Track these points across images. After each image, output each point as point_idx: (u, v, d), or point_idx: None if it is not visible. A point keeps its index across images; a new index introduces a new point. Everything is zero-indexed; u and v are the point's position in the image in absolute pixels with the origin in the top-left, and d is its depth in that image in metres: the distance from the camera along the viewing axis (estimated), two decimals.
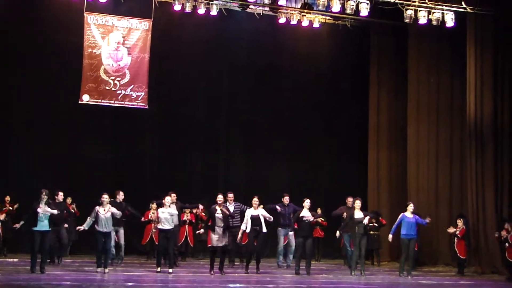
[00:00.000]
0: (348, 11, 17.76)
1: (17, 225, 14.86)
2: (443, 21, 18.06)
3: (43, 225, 14.23)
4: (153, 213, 17.36)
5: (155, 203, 17.37)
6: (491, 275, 17.03)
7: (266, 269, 16.15)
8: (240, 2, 19.64)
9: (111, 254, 15.53)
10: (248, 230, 15.39)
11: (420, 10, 17.96)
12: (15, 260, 16.80)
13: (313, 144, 21.79)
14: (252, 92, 21.29)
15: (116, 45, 19.21)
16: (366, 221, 15.76)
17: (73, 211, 17.94)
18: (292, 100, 21.58)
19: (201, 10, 19.33)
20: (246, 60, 21.28)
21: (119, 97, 19.18)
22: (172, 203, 15.52)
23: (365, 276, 15.64)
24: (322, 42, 21.80)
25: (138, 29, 19.36)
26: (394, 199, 20.58)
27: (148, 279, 14.16)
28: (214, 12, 19.38)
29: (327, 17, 20.81)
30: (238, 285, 13.43)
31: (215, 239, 14.77)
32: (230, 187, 18.41)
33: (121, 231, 16.30)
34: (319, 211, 18.93)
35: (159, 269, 14.94)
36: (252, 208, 15.49)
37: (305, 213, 15.59)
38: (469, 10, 17.96)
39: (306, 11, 19.86)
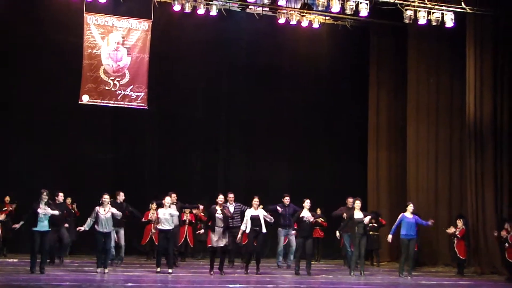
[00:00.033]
0: (348, 12, 17.76)
1: (17, 226, 14.81)
2: (442, 22, 18.06)
3: (43, 225, 14.23)
4: (152, 213, 17.36)
5: (155, 203, 17.39)
6: (491, 276, 17.03)
7: (265, 270, 16.15)
8: (240, 3, 19.65)
9: (111, 254, 15.53)
10: (248, 231, 15.40)
11: (419, 11, 17.97)
12: (14, 260, 16.79)
13: (312, 144, 21.80)
14: (252, 92, 21.30)
15: (115, 45, 19.22)
16: (367, 220, 15.77)
17: (73, 211, 17.95)
18: (291, 101, 21.59)
19: (201, 11, 19.33)
20: (246, 61, 21.29)
21: (118, 98, 19.19)
22: (172, 203, 15.52)
23: (364, 277, 15.65)
24: (322, 42, 21.81)
25: (138, 29, 19.37)
26: (393, 199, 20.60)
27: (148, 279, 14.16)
28: (213, 12, 19.39)
29: (327, 18, 20.82)
30: (237, 285, 13.43)
31: (215, 239, 14.77)
32: (230, 187, 18.40)
33: (122, 232, 16.30)
34: (318, 211, 18.94)
35: (158, 269, 14.94)
36: (252, 208, 15.49)
37: (305, 214, 15.61)
38: (468, 11, 17.96)
39: (305, 11, 19.87)
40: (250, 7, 19.91)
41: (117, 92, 19.17)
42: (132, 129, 20.46)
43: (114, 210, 14.81)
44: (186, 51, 20.75)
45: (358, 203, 15.89)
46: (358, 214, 15.78)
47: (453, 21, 18.03)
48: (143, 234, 18.29)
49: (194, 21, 19.94)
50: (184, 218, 17.87)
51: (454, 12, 18.06)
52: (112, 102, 19.18)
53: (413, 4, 17.94)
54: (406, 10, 17.97)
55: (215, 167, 21.24)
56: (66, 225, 16.67)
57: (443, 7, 18.09)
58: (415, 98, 20.04)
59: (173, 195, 15.67)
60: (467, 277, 16.67)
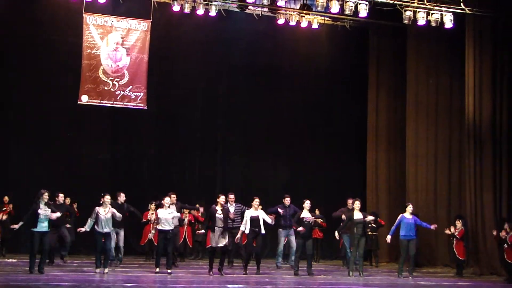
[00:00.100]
0: (347, 12, 17.75)
1: (16, 226, 14.62)
2: (442, 22, 18.06)
3: (43, 226, 14.20)
4: (152, 213, 17.35)
5: (154, 204, 17.39)
6: (490, 276, 17.02)
7: (265, 270, 16.15)
8: (239, 3, 19.64)
9: (111, 255, 15.51)
10: (247, 231, 15.40)
11: (419, 11, 17.97)
12: (13, 260, 16.79)
13: (312, 144, 21.80)
14: (251, 93, 21.30)
15: (115, 45, 19.22)
16: (370, 219, 15.79)
17: (74, 211, 17.93)
18: (291, 101, 21.60)
19: (200, 11, 19.32)
20: (245, 61, 21.28)
21: (118, 98, 19.18)
22: (172, 204, 15.51)
23: (363, 277, 15.65)
24: (321, 43, 21.82)
25: (137, 29, 19.36)
26: (392, 199, 20.61)
27: (147, 279, 14.16)
28: (213, 13, 19.37)
29: (326, 18, 20.81)
30: (237, 285, 13.42)
31: (215, 239, 14.77)
32: (229, 188, 18.40)
33: (121, 233, 16.26)
34: (317, 212, 18.93)
35: (157, 269, 14.93)
36: (252, 209, 15.49)
37: (305, 214, 15.60)
38: (467, 11, 17.96)
39: (305, 12, 19.86)
40: (249, 7, 19.91)
41: (116, 93, 19.17)
42: (132, 129, 20.45)
43: (115, 211, 14.80)
44: (185, 52, 20.76)
45: (357, 204, 15.89)
46: (357, 215, 15.78)
47: (452, 22, 18.03)
48: (142, 235, 18.28)
49: (194, 21, 19.94)
50: (183, 218, 17.86)
51: (453, 13, 18.05)
52: (111, 102, 19.18)
53: (412, 5, 17.94)
54: (405, 10, 17.96)
55: (214, 168, 21.23)
56: (68, 225, 16.70)
57: (443, 8, 18.09)
58: (414, 98, 20.04)
59: (173, 196, 15.66)
60: (466, 278, 16.67)
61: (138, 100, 19.30)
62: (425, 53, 19.95)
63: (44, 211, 14.19)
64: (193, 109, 21.08)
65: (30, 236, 14.23)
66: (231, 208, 15.49)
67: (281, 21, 20.01)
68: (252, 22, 20.36)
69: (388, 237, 16.27)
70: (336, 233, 17.14)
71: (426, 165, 19.68)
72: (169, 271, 14.82)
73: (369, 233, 17.65)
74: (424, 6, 17.97)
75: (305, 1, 19.82)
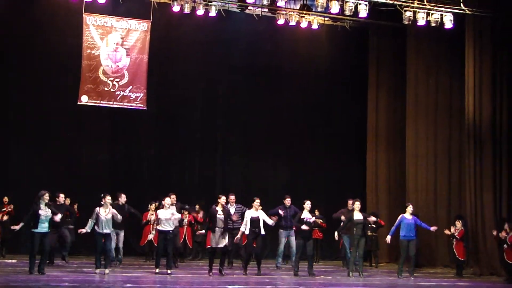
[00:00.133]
0: (347, 13, 17.73)
1: (17, 227, 14.50)
2: (441, 23, 18.05)
3: (43, 227, 14.18)
4: (151, 214, 17.34)
5: (153, 204, 17.38)
6: (490, 277, 17.01)
7: (265, 271, 16.13)
8: (239, 3, 19.63)
9: (111, 255, 15.49)
10: (247, 232, 15.40)
11: (418, 12, 17.96)
12: (13, 261, 16.79)
13: (311, 145, 21.80)
14: (251, 93, 21.30)
15: (115, 46, 19.22)
16: (374, 219, 15.78)
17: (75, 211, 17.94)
18: (291, 101, 21.59)
19: (200, 11, 19.30)
20: (245, 61, 21.28)
21: (117, 98, 19.19)
22: (172, 204, 15.50)
23: (363, 278, 15.65)
24: (321, 43, 21.82)
25: (137, 30, 19.36)
26: (392, 200, 20.61)
27: (147, 280, 14.16)
28: (213, 13, 19.37)
29: (326, 19, 20.81)
30: (236, 286, 13.43)
31: (215, 240, 14.77)
32: (229, 188, 18.41)
33: (122, 234, 16.25)
34: (317, 212, 18.90)
35: (157, 270, 14.92)
36: (253, 209, 15.48)
37: (306, 215, 15.60)
38: (467, 12, 17.95)
39: (304, 12, 19.84)
40: (249, 8, 19.91)
41: (116, 93, 19.17)
42: (131, 130, 20.45)
43: (115, 213, 14.78)
44: (185, 52, 20.76)
45: (357, 204, 15.89)
46: (357, 215, 15.78)
47: (452, 22, 18.02)
48: (142, 235, 18.27)
49: (193, 22, 19.94)
50: (183, 218, 17.84)
51: (453, 13, 18.05)
52: (111, 102, 19.18)
53: (412, 5, 17.93)
54: (405, 11, 17.95)
55: (213, 168, 21.23)
56: (71, 226, 16.72)
57: (442, 8, 18.08)
58: (414, 98, 20.04)
59: (173, 196, 15.66)
60: (466, 278, 16.66)
61: (138, 100, 19.30)
62: (425, 53, 19.94)
63: (44, 212, 14.18)
64: (193, 110, 21.08)
65: (30, 237, 14.22)
66: (232, 209, 15.48)
67: (281, 21, 20.01)
68: (252, 23, 20.37)
69: (388, 238, 16.27)
70: (336, 234, 17.12)
71: (426, 165, 19.68)
72: (168, 271, 14.82)
73: (369, 233, 17.66)
74: (424, 6, 17.96)
75: (305, 2, 19.81)
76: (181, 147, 20.86)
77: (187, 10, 19.13)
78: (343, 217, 16.69)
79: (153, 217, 16.81)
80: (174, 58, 20.69)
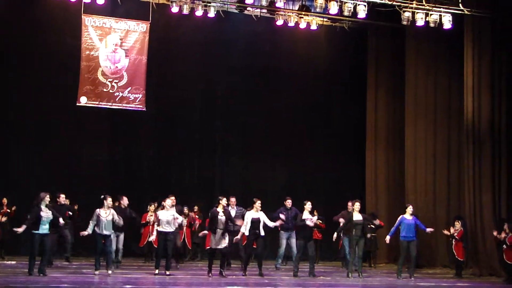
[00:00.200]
0: (346, 13, 17.76)
1: (20, 230, 14.19)
2: (440, 23, 18.06)
3: (44, 228, 14.15)
4: (151, 215, 17.33)
5: (152, 205, 17.37)
6: (489, 277, 17.02)
7: (264, 272, 16.11)
8: (238, 4, 19.63)
9: (112, 257, 15.47)
10: (247, 233, 15.39)
11: (417, 12, 17.97)
12: (13, 262, 16.78)
13: (311, 145, 21.80)
14: (250, 94, 21.30)
15: (113, 47, 19.21)
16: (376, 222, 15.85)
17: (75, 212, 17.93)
18: (290, 102, 21.59)
19: (199, 12, 19.29)
20: (244, 62, 21.28)
21: (116, 99, 19.17)
22: (172, 206, 15.49)
23: (362, 278, 15.65)
24: (320, 44, 21.82)
25: (136, 31, 19.36)
26: (392, 200, 20.61)
27: (146, 281, 14.16)
28: (211, 14, 19.37)
29: (325, 19, 20.82)
30: (236, 287, 13.43)
31: (215, 241, 14.77)
32: (228, 189, 18.41)
33: (122, 236, 16.22)
34: (316, 213, 18.88)
35: (157, 271, 14.91)
36: (253, 210, 15.47)
37: (306, 216, 15.60)
38: (466, 12, 17.96)
39: (303, 13, 19.87)
40: (248, 8, 19.91)
41: (115, 94, 19.17)
42: (130, 131, 20.44)
43: (116, 216, 14.74)
44: (184, 53, 20.76)
45: (357, 205, 15.90)
46: (357, 216, 15.79)
47: (451, 22, 18.04)
48: (141, 236, 18.26)
49: (192, 23, 19.93)
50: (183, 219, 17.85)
51: (452, 14, 18.06)
52: (110, 104, 19.17)
53: (411, 5, 17.94)
54: (404, 11, 17.96)
55: (213, 169, 21.23)
56: (73, 226, 16.76)
57: (441, 9, 18.09)
58: (413, 99, 20.04)
59: (172, 198, 15.63)
60: (465, 278, 16.67)
61: (137, 101, 19.29)
62: (424, 53, 19.95)
63: (45, 213, 14.16)
64: (192, 111, 21.08)
65: (30, 238, 14.18)
66: (233, 212, 15.49)
67: (279, 22, 20.02)
68: (251, 23, 20.37)
69: (387, 238, 16.27)
70: (335, 235, 17.11)
71: (425, 166, 19.68)
72: (167, 272, 14.81)
73: (368, 234, 17.64)
74: (423, 7, 17.98)
75: (303, 2, 19.82)
76: (180, 148, 20.86)
77: (186, 11, 19.13)
78: (341, 220, 16.71)
79: (152, 218, 16.80)
80: (173, 59, 20.69)
